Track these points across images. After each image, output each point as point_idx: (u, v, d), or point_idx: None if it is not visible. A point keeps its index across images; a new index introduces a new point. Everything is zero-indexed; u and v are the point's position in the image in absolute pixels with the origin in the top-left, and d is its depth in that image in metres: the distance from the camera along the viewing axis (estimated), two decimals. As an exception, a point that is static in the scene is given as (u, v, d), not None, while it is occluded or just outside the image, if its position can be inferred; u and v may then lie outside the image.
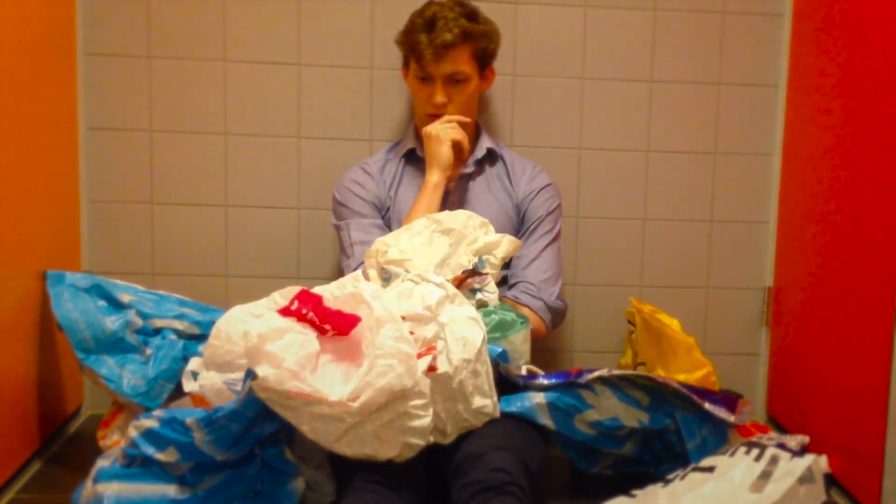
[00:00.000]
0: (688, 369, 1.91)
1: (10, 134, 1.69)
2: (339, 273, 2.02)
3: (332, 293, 1.55)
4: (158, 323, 1.82)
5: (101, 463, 1.52)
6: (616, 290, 2.27)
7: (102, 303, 1.79)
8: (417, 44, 1.92)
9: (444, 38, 1.90)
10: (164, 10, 2.12)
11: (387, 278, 1.72)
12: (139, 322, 1.80)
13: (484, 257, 1.77)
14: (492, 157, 2.07)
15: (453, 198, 2.01)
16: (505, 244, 1.79)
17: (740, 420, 1.72)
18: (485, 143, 2.06)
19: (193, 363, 1.67)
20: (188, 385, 1.63)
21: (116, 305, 1.80)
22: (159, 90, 2.14)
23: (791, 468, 1.47)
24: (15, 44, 1.72)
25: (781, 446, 1.56)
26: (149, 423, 1.48)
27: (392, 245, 1.75)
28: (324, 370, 1.46)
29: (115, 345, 1.75)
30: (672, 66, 2.22)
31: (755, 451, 1.53)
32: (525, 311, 1.89)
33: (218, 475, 1.50)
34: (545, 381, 1.65)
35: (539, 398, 1.62)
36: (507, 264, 1.89)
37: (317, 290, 1.57)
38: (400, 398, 1.43)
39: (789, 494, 1.44)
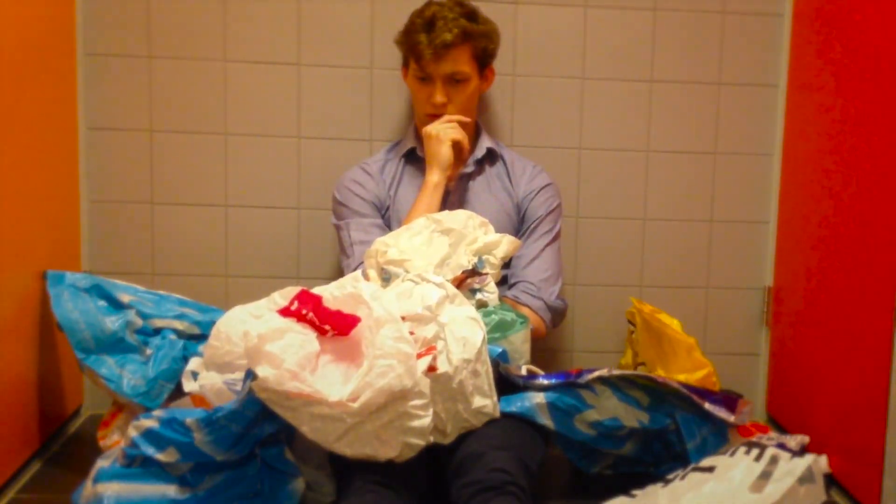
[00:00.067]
0: (688, 369, 1.91)
1: (10, 134, 1.69)
2: (339, 273, 2.02)
3: (332, 293, 1.55)
4: (158, 323, 1.82)
5: (101, 463, 1.52)
6: (616, 290, 2.27)
7: (102, 303, 1.79)
8: (417, 44, 1.92)
9: (444, 37, 1.90)
10: (164, 10, 2.12)
11: (386, 278, 1.72)
12: (139, 322, 1.80)
13: (483, 257, 1.77)
14: (492, 156, 2.07)
15: (453, 197, 2.01)
16: (505, 244, 1.79)
17: (740, 420, 1.72)
18: (485, 143, 2.06)
19: (193, 363, 1.67)
20: (188, 385, 1.63)
21: (116, 305, 1.80)
22: (159, 90, 2.14)
23: (791, 468, 1.47)
24: (15, 44, 1.72)
25: (781, 446, 1.56)
26: (149, 423, 1.48)
27: (392, 245, 1.75)
28: (324, 370, 1.46)
29: (115, 345, 1.75)
30: (672, 66, 2.22)
31: (755, 451, 1.53)
32: (525, 310, 1.89)
33: (218, 475, 1.50)
34: (545, 381, 1.65)
35: (539, 398, 1.62)
36: (507, 264, 1.89)
37: (316, 290, 1.57)
38: (400, 398, 1.43)
39: (789, 494, 1.44)
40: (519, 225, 2.03)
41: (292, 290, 1.55)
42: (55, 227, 2.00)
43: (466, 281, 1.71)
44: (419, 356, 1.47)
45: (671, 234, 2.27)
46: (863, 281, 1.74)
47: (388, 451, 1.45)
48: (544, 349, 2.19)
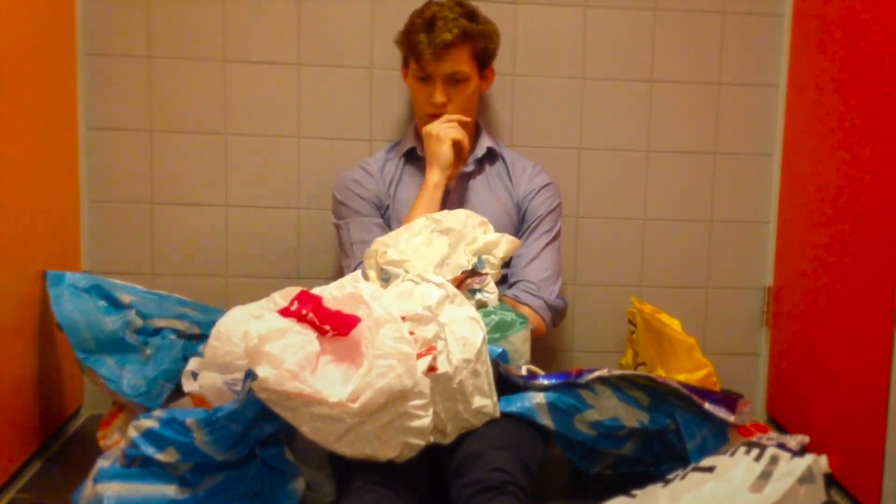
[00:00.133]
0: (688, 370, 1.91)
1: (10, 134, 1.69)
2: (339, 273, 2.02)
3: (332, 294, 1.55)
4: (158, 323, 1.82)
5: (101, 463, 1.52)
6: (616, 290, 2.27)
7: (102, 303, 1.79)
8: (417, 44, 1.92)
9: (444, 37, 1.90)
10: (164, 10, 2.12)
11: (386, 279, 1.72)
12: (139, 322, 1.80)
13: (483, 257, 1.77)
14: (492, 156, 2.07)
15: (453, 197, 2.01)
16: (504, 244, 1.79)
17: (740, 420, 1.72)
18: (485, 143, 2.06)
19: (193, 363, 1.67)
20: (188, 385, 1.63)
21: (116, 305, 1.80)
22: (159, 90, 2.14)
23: (791, 468, 1.47)
24: (15, 44, 1.72)
25: (781, 446, 1.55)
26: (149, 423, 1.48)
27: (391, 245, 1.75)
28: (324, 371, 1.47)
29: (115, 345, 1.75)
30: (672, 66, 2.22)
31: (755, 451, 1.53)
32: (525, 309, 1.89)
33: (218, 475, 1.50)
34: (545, 382, 1.65)
35: (539, 398, 1.62)
36: (506, 263, 1.89)
37: (316, 290, 1.57)
38: (400, 398, 1.43)
39: (789, 494, 1.44)
40: (519, 224, 2.03)
41: (292, 291, 1.55)
42: (55, 227, 2.00)
43: (466, 281, 1.71)
44: (419, 356, 1.47)
45: (671, 234, 2.27)
46: (863, 281, 1.74)
47: (388, 451, 1.45)
48: (544, 349, 2.19)
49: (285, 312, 1.50)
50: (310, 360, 1.45)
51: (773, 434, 1.92)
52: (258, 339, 1.42)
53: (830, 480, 1.77)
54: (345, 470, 1.49)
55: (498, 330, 1.68)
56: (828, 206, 1.91)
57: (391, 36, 2.04)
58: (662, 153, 2.25)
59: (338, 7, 2.15)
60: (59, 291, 1.77)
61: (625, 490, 1.58)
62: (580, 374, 1.64)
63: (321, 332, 1.48)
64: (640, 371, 2.04)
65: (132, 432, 1.49)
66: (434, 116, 1.97)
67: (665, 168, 2.25)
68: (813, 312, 2.00)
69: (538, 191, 2.04)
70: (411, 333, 1.50)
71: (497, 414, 1.57)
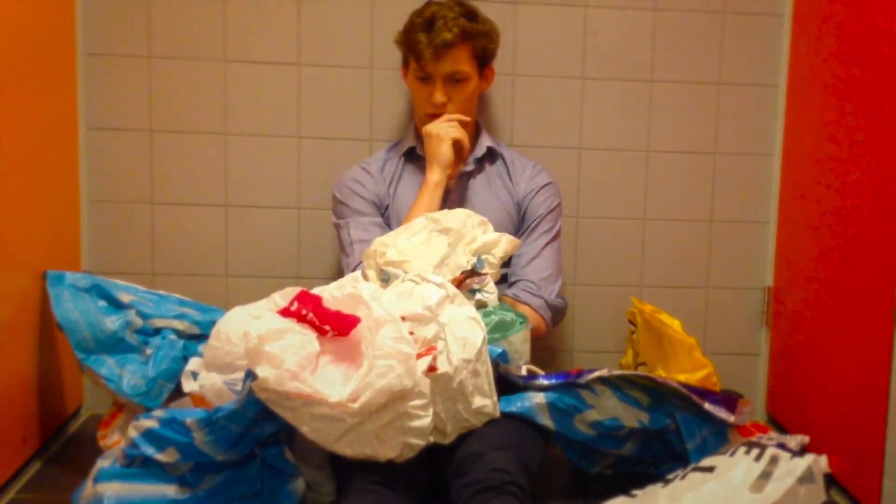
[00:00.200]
0: (689, 370, 1.91)
1: (10, 134, 1.69)
2: (339, 273, 2.02)
3: (332, 294, 1.55)
4: (158, 323, 1.82)
5: (101, 463, 1.52)
6: (616, 290, 2.27)
7: (102, 303, 1.79)
8: (417, 43, 1.92)
9: (444, 37, 1.90)
10: (164, 10, 2.12)
11: (385, 279, 1.72)
12: (139, 322, 1.80)
13: (483, 257, 1.77)
14: (492, 155, 2.07)
15: (453, 196, 2.01)
16: (504, 243, 1.79)
17: (740, 420, 1.72)
18: (485, 142, 2.06)
19: (193, 363, 1.68)
20: (188, 385, 1.63)
21: (116, 305, 1.80)
22: (159, 90, 2.14)
23: (791, 468, 1.47)
24: (15, 44, 1.72)
25: (781, 446, 1.55)
26: (149, 423, 1.48)
27: (390, 245, 1.75)
28: (324, 371, 1.47)
29: (115, 345, 1.75)
30: (672, 66, 2.22)
31: (755, 451, 1.53)
32: (525, 308, 1.89)
33: (218, 475, 1.50)
34: (545, 382, 1.65)
35: (539, 398, 1.62)
36: (507, 262, 1.89)
37: (316, 290, 1.57)
38: (400, 398, 1.43)
39: (789, 494, 1.44)
40: (519, 224, 2.03)
41: (292, 291, 1.55)
42: (55, 227, 2.00)
43: (466, 281, 1.71)
44: (419, 356, 1.47)
45: (671, 234, 2.27)
46: (863, 281, 1.74)
47: (388, 451, 1.45)
48: (544, 349, 2.19)
49: (285, 312, 1.50)
50: (310, 360, 1.44)
51: (773, 434, 1.92)
52: (258, 340, 1.42)
53: (830, 480, 1.77)
54: (345, 470, 1.49)
55: (498, 330, 1.68)
56: (828, 206, 1.91)
57: (391, 36, 2.04)
58: (662, 153, 2.25)
59: (338, 7, 2.15)
60: (59, 291, 1.77)
61: (625, 490, 1.58)
62: (580, 374, 1.64)
63: (321, 333, 1.48)
64: (641, 371, 2.04)
65: (132, 432, 1.49)
66: (434, 116, 1.97)
67: (665, 168, 2.25)
68: (813, 312, 2.00)
69: (538, 190, 2.04)
70: (411, 333, 1.50)
71: (497, 414, 1.57)
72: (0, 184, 1.65)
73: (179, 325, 1.83)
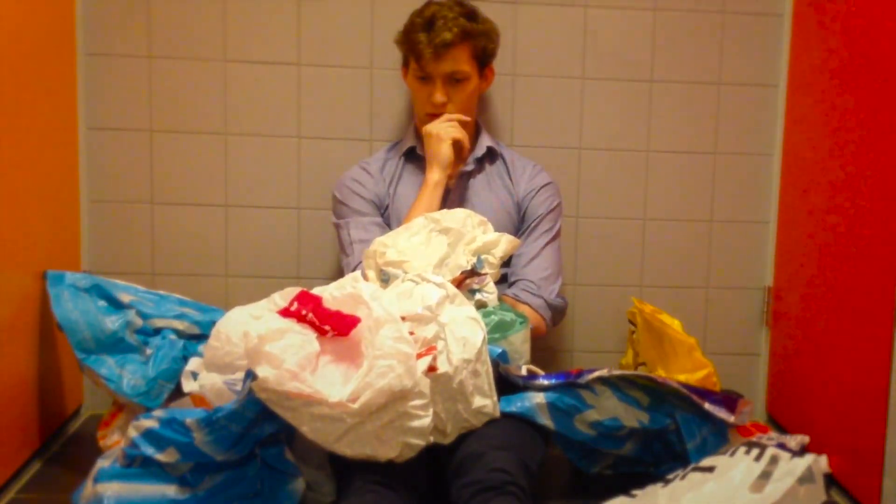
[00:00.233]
0: (689, 370, 1.91)
1: (10, 134, 1.69)
2: (339, 273, 2.02)
3: (332, 294, 1.55)
4: (158, 323, 1.82)
5: (101, 463, 1.52)
6: (616, 290, 2.27)
7: (102, 303, 1.79)
8: (417, 43, 1.92)
9: (444, 37, 1.90)
10: (164, 10, 2.12)
11: (385, 279, 1.72)
12: (139, 322, 1.80)
13: (482, 256, 1.77)
14: (492, 155, 2.07)
15: (453, 196, 2.01)
16: (503, 243, 1.79)
17: (740, 420, 1.72)
18: (485, 142, 2.06)
19: (193, 363, 1.68)
20: (188, 385, 1.63)
21: (116, 305, 1.80)
22: (159, 90, 2.14)
23: (791, 468, 1.47)
24: (15, 44, 1.72)
25: (781, 446, 1.55)
26: (149, 423, 1.48)
27: (390, 245, 1.75)
28: (324, 371, 1.47)
29: (115, 345, 1.75)
30: (672, 66, 2.22)
31: (755, 451, 1.53)
32: (525, 308, 1.89)
33: (218, 475, 1.50)
34: (545, 382, 1.65)
35: (539, 398, 1.62)
36: (507, 262, 1.89)
37: (316, 290, 1.57)
38: (400, 399, 1.43)
39: (789, 494, 1.44)
40: (519, 223, 2.03)
41: (292, 291, 1.55)
42: (55, 227, 2.00)
43: (465, 281, 1.71)
44: (419, 356, 1.47)
45: (671, 234, 2.27)
46: (863, 281, 1.74)
47: (388, 451, 1.45)
48: (544, 349, 2.19)
49: (285, 313, 1.50)
50: (310, 360, 1.44)
51: (773, 434, 1.92)
52: (258, 340, 1.42)
53: (830, 480, 1.77)
54: (345, 470, 1.49)
55: (498, 330, 1.68)
56: (828, 205, 1.91)
57: (391, 36, 2.04)
58: (662, 153, 2.25)
59: (338, 7, 2.15)
60: (59, 291, 1.77)
61: (625, 490, 1.58)
62: (580, 374, 1.64)
63: (321, 333, 1.48)
64: (641, 371, 2.04)
65: (132, 432, 1.49)
66: (434, 116, 1.97)
67: (665, 168, 2.25)
68: (813, 312, 2.00)
69: (538, 190, 2.04)
70: (411, 333, 1.50)
71: (497, 414, 1.57)
72: (0, 184, 1.65)
73: (179, 325, 1.83)
